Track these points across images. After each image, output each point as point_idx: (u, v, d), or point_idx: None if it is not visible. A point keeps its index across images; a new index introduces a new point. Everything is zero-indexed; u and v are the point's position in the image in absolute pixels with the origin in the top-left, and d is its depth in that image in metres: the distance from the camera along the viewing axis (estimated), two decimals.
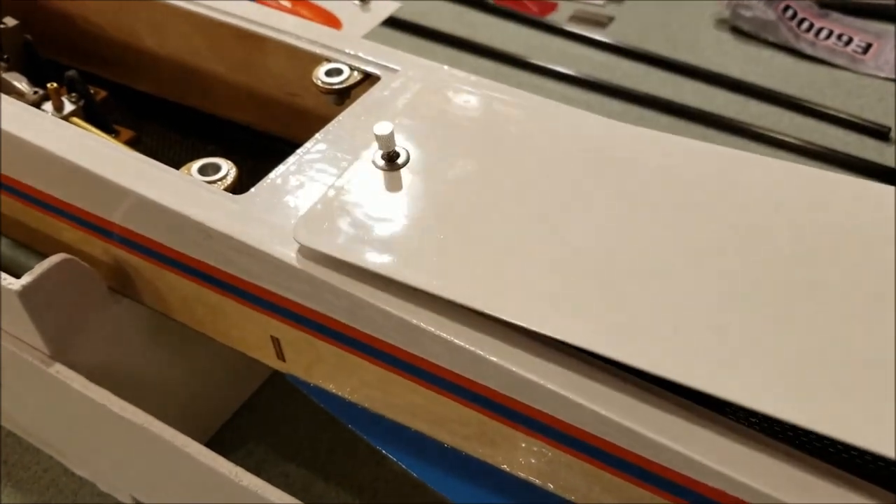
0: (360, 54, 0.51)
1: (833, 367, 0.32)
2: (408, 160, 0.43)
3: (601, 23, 1.04)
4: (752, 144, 0.86)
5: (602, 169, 0.42)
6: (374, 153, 0.43)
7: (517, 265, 0.38)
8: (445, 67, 0.50)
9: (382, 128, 0.42)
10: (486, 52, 0.99)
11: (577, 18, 1.05)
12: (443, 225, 0.40)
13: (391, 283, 0.38)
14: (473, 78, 0.49)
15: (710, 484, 0.32)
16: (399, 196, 0.41)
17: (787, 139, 0.85)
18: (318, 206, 0.41)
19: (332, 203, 0.41)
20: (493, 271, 0.37)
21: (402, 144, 0.43)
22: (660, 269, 0.37)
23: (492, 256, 0.38)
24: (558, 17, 1.05)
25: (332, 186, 0.42)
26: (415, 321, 0.37)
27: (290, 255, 0.40)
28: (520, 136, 0.44)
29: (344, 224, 0.40)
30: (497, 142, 0.44)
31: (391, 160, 0.43)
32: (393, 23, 1.03)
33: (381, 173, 0.42)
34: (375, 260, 0.38)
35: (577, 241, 0.38)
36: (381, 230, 0.39)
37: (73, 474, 0.61)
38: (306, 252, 0.40)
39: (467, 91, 0.47)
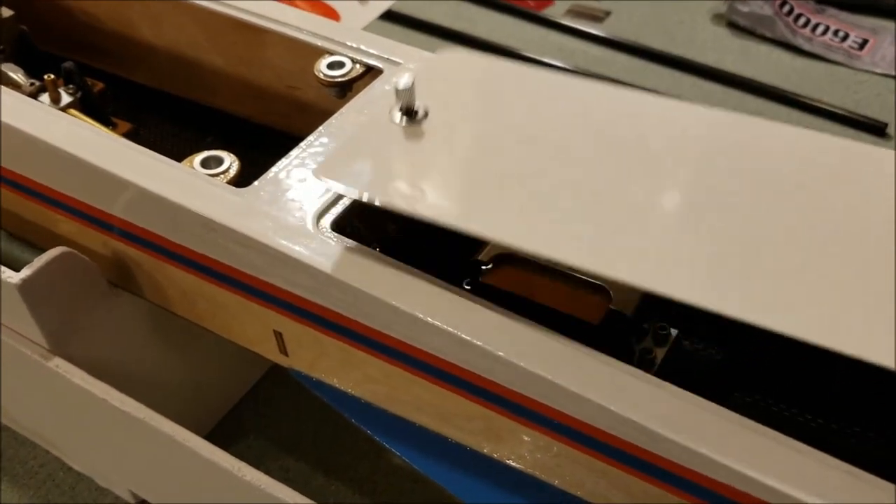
0: (362, 47, 0.51)
1: (835, 286, 0.33)
2: (426, 116, 0.41)
3: (598, 17, 1.04)
4: None
5: (621, 132, 0.41)
6: (392, 110, 0.41)
7: (550, 204, 0.37)
8: None
9: (404, 80, 0.40)
10: (482, 46, 0.99)
11: (574, 12, 1.05)
12: (466, 166, 0.40)
13: (398, 278, 0.38)
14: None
15: (722, 480, 0.31)
16: (420, 143, 0.40)
17: None
18: (341, 151, 0.40)
19: (355, 148, 0.40)
20: (526, 209, 0.37)
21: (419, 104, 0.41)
22: (679, 214, 0.37)
23: (523, 196, 0.38)
24: (555, 11, 1.05)
25: (351, 137, 0.41)
26: (421, 315, 0.37)
27: (295, 248, 0.39)
28: (534, 101, 0.44)
29: (366, 166, 0.40)
30: (513, 107, 0.43)
31: (410, 115, 0.41)
32: (390, 16, 1.03)
33: (400, 127, 0.41)
34: (396, 198, 0.37)
35: (608, 184, 0.38)
36: (404, 171, 0.39)
37: (70, 469, 0.60)
38: (313, 245, 0.39)
39: (477, 64, 0.47)
